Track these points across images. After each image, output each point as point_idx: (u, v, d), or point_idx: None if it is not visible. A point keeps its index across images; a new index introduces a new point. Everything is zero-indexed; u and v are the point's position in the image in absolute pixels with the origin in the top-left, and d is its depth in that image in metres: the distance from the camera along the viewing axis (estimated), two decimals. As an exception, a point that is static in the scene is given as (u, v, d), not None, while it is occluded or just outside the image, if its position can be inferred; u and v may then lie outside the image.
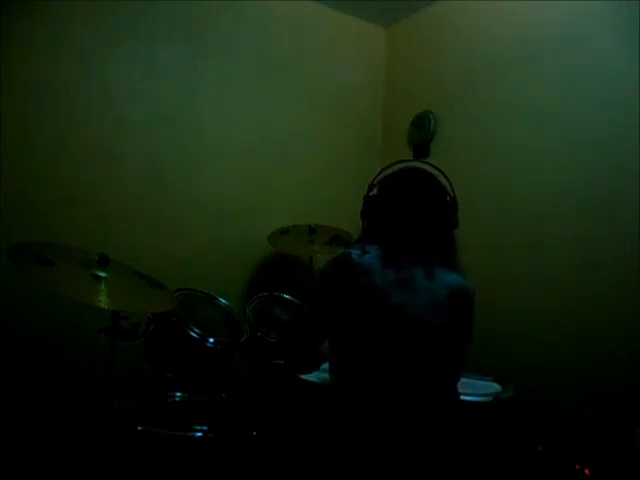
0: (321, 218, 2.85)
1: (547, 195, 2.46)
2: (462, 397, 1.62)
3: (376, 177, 1.72)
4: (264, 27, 3.03)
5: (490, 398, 1.86)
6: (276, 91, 3.07)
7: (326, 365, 1.58)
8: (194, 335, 2.07)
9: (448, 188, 1.63)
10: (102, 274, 1.76)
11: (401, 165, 1.65)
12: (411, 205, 1.53)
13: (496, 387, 2.02)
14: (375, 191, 1.63)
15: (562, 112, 2.43)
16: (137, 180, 2.63)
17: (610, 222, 2.21)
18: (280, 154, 3.06)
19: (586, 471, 1.86)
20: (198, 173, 2.80)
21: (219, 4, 2.87)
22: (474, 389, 1.91)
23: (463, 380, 1.54)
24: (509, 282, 2.58)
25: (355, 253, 1.48)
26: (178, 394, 1.95)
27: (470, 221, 2.61)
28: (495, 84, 2.77)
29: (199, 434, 1.68)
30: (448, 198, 1.60)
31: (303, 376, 1.94)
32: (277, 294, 2.64)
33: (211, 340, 2.10)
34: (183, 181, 2.75)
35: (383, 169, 1.68)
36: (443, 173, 1.63)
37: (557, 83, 2.47)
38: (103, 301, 1.68)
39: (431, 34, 3.21)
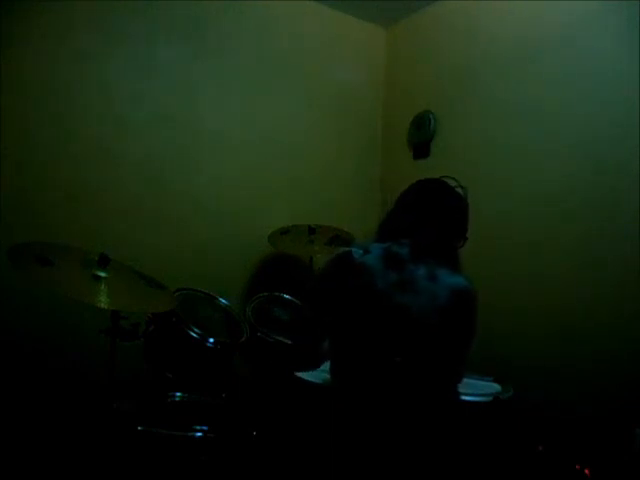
0: (321, 218, 2.85)
1: (547, 195, 2.46)
2: (462, 397, 1.62)
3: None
4: (264, 27, 3.04)
5: (490, 398, 1.86)
6: (276, 91, 3.07)
7: (326, 365, 1.58)
8: (194, 335, 2.06)
9: (463, 197, 1.60)
10: (102, 274, 1.76)
11: (418, 180, 1.63)
12: (430, 214, 1.52)
13: (496, 387, 2.02)
14: (394, 205, 1.60)
15: (562, 112, 2.43)
16: (137, 180, 2.63)
17: (610, 222, 2.21)
18: (280, 154, 3.06)
19: (586, 471, 1.86)
20: (198, 173, 2.80)
21: (219, 4, 2.87)
22: (474, 389, 1.91)
23: (463, 380, 1.54)
24: (509, 282, 2.58)
25: (357, 252, 1.47)
26: (178, 394, 1.95)
27: (470, 220, 2.61)
28: (495, 84, 2.77)
29: (199, 434, 1.68)
30: (463, 208, 1.59)
31: (301, 374, 1.93)
32: (277, 294, 2.63)
33: (211, 340, 2.10)
34: (183, 181, 2.75)
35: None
36: (459, 184, 1.61)
37: (557, 83, 2.47)
38: (103, 301, 1.68)
39: (431, 34, 3.21)
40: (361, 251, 1.47)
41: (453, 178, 1.60)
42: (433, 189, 1.58)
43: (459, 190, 1.58)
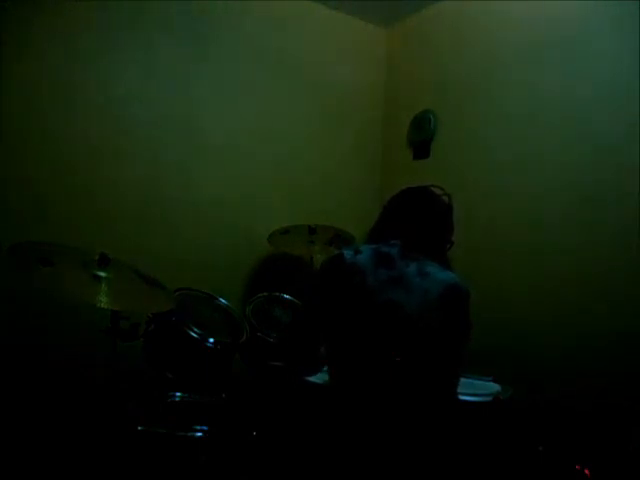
0: (321, 218, 2.85)
1: (547, 195, 2.46)
2: (462, 397, 1.62)
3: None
4: (264, 27, 3.03)
5: (490, 398, 1.86)
6: (276, 91, 3.07)
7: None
8: (194, 335, 2.07)
9: (447, 202, 1.65)
10: (102, 274, 1.75)
11: (405, 188, 1.68)
12: (415, 219, 1.57)
13: (496, 387, 2.02)
14: (382, 211, 1.67)
15: (562, 112, 2.43)
16: (137, 180, 2.63)
17: (610, 222, 2.21)
18: (280, 154, 3.06)
19: (586, 471, 1.86)
20: (198, 173, 2.80)
21: (219, 4, 2.87)
22: (474, 389, 1.91)
23: (463, 380, 1.54)
24: (509, 282, 2.58)
25: (348, 253, 1.50)
26: (178, 394, 1.94)
27: (469, 221, 2.62)
28: (495, 84, 2.76)
29: (199, 434, 1.68)
30: (447, 213, 1.63)
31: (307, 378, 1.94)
32: (277, 294, 2.63)
33: (211, 340, 2.10)
34: (183, 181, 2.75)
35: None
36: (445, 191, 1.66)
37: (557, 83, 2.47)
38: (103, 301, 1.68)
39: (431, 34, 3.21)
40: (352, 252, 1.50)
41: (439, 187, 1.67)
42: (419, 196, 1.63)
43: (445, 198, 1.64)
